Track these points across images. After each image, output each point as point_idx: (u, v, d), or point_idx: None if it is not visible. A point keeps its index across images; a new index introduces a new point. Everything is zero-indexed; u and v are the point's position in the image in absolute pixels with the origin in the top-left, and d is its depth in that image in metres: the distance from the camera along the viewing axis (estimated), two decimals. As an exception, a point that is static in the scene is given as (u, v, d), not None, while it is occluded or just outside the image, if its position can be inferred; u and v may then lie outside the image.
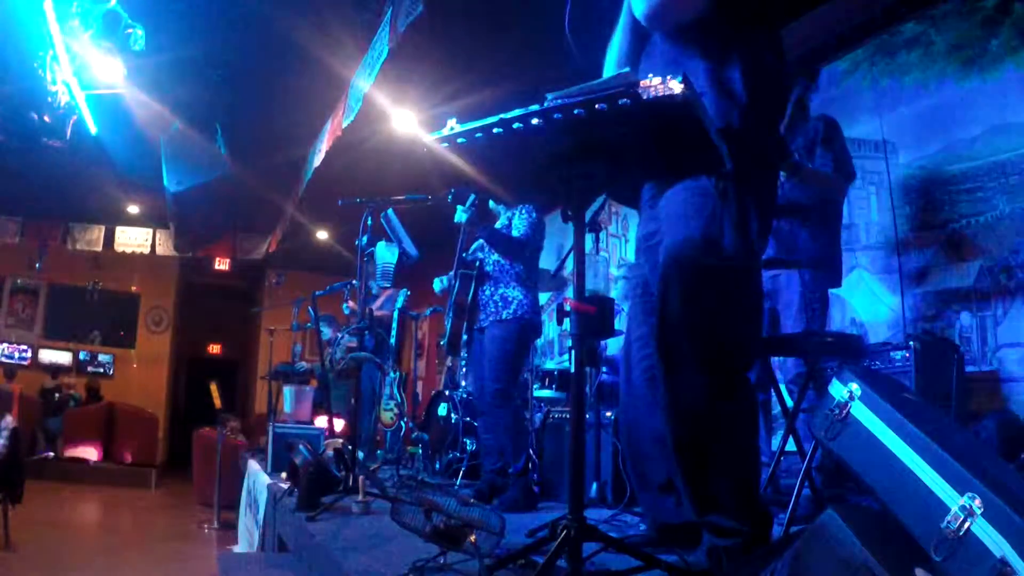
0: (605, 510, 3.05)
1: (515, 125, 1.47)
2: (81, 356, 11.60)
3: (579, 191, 1.60)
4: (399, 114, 5.88)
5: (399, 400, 5.60)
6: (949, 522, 1.15)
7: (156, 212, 9.34)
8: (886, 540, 1.20)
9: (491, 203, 3.55)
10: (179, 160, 6.41)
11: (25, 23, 4.28)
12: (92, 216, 9.74)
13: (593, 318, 1.57)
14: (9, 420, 5.11)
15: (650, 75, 1.35)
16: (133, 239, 9.96)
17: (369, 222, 3.50)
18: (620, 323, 4.33)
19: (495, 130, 1.51)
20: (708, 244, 1.70)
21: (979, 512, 1.12)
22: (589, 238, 3.48)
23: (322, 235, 9.83)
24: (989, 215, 3.40)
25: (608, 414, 3.63)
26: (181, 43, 5.10)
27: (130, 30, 4.23)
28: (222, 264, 11.09)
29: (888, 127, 3.95)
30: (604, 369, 4.07)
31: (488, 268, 3.43)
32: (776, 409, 3.23)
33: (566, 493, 1.57)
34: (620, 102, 1.35)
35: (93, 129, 5.66)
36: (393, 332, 5.70)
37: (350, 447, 3.34)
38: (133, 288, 11.97)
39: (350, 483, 3.03)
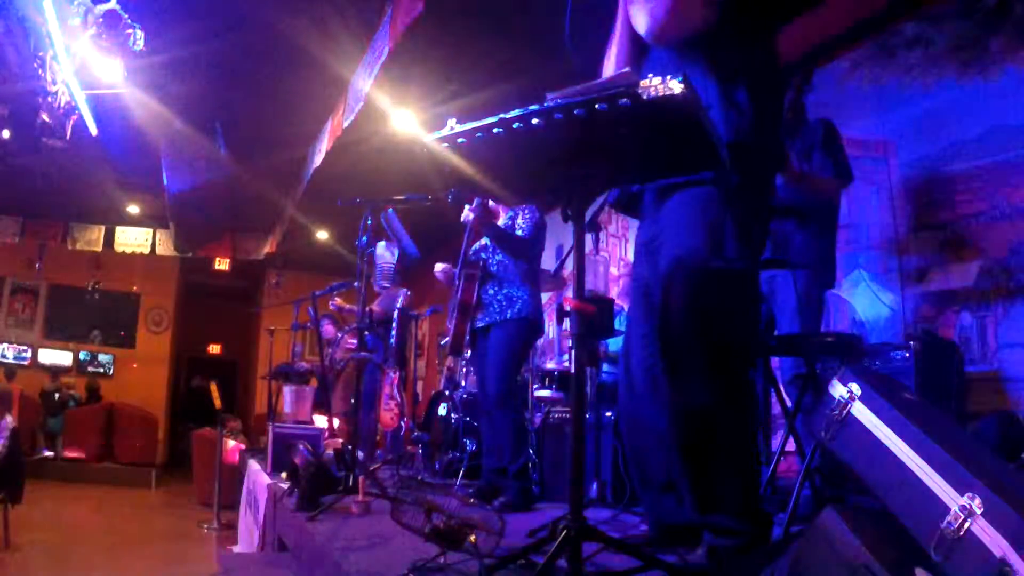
0: (605, 510, 3.06)
1: (515, 125, 1.47)
2: (81, 356, 11.60)
3: (579, 191, 1.60)
4: (399, 114, 5.88)
5: (399, 400, 5.60)
6: (949, 522, 1.15)
7: (156, 212, 9.34)
8: (886, 540, 1.20)
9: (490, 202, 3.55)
10: (179, 160, 6.41)
11: (25, 23, 4.28)
12: (92, 216, 9.74)
13: (593, 318, 1.57)
14: (9, 420, 5.11)
15: (650, 75, 1.35)
16: (133, 239, 9.96)
17: (369, 222, 3.50)
18: (620, 323, 4.34)
19: (495, 130, 1.51)
20: (711, 249, 1.73)
21: (979, 512, 1.12)
22: (589, 238, 3.48)
23: (322, 235, 9.84)
24: (989, 215, 3.40)
25: (608, 414, 3.63)
26: (181, 43, 5.10)
27: (130, 30, 4.23)
28: (222, 264, 11.08)
29: (888, 127, 3.95)
30: (604, 368, 4.07)
31: (492, 268, 3.43)
32: (776, 409, 3.24)
33: (566, 493, 1.56)
34: (620, 102, 1.36)
35: (93, 129, 5.66)
36: (393, 332, 5.70)
37: (350, 447, 3.34)
38: (133, 288, 11.97)
39: (350, 483, 3.04)
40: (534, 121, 1.45)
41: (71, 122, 5.02)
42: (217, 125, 6.32)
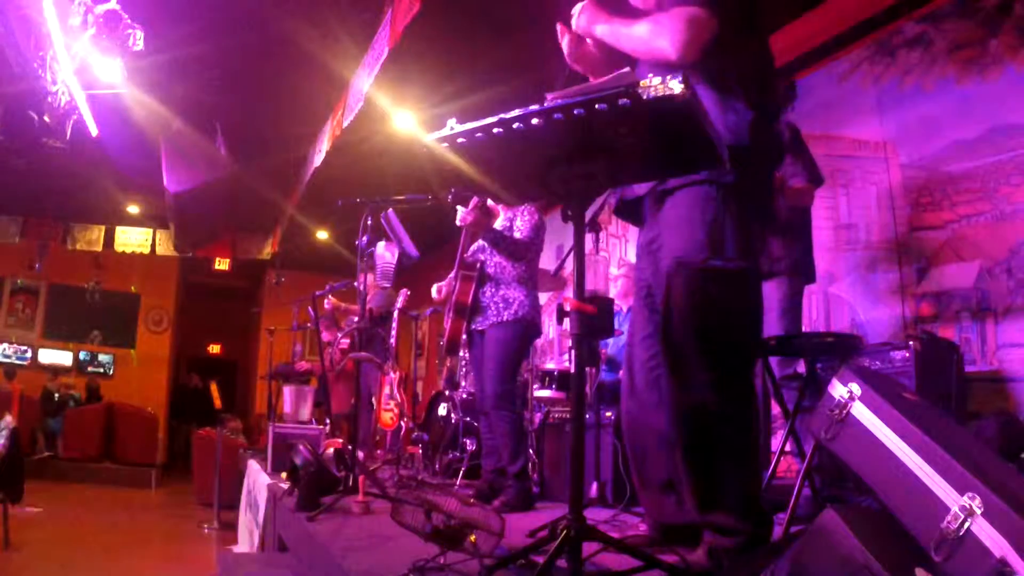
0: (605, 510, 3.05)
1: (515, 125, 1.47)
2: (81, 356, 11.60)
3: (579, 191, 1.60)
4: (399, 114, 5.88)
5: (399, 400, 5.60)
6: (949, 522, 1.15)
7: (156, 212, 9.34)
8: (886, 540, 1.20)
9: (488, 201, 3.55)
10: (179, 160, 6.40)
11: (25, 23, 4.28)
12: (92, 216, 9.74)
13: (593, 318, 1.57)
14: (9, 420, 5.11)
15: (650, 75, 1.35)
16: (133, 239, 9.96)
17: (369, 222, 3.50)
18: (619, 323, 4.34)
19: (495, 130, 1.51)
20: (711, 247, 1.73)
21: (979, 512, 1.12)
22: (589, 238, 3.48)
23: (322, 235, 9.84)
24: (989, 215, 3.40)
25: (608, 414, 3.63)
26: (181, 43, 5.10)
27: (130, 30, 4.22)
28: (222, 264, 11.09)
29: (888, 127, 3.95)
30: (604, 368, 4.08)
31: (489, 269, 3.43)
32: (775, 409, 3.24)
33: (566, 493, 1.56)
34: (620, 102, 1.36)
35: (93, 129, 5.65)
36: (393, 331, 5.70)
37: (350, 447, 3.34)
38: (133, 288, 11.97)
39: (350, 483, 3.03)
40: (534, 121, 1.45)
41: (71, 122, 5.01)
42: (217, 125, 6.32)
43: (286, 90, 5.93)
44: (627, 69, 1.44)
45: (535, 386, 4.20)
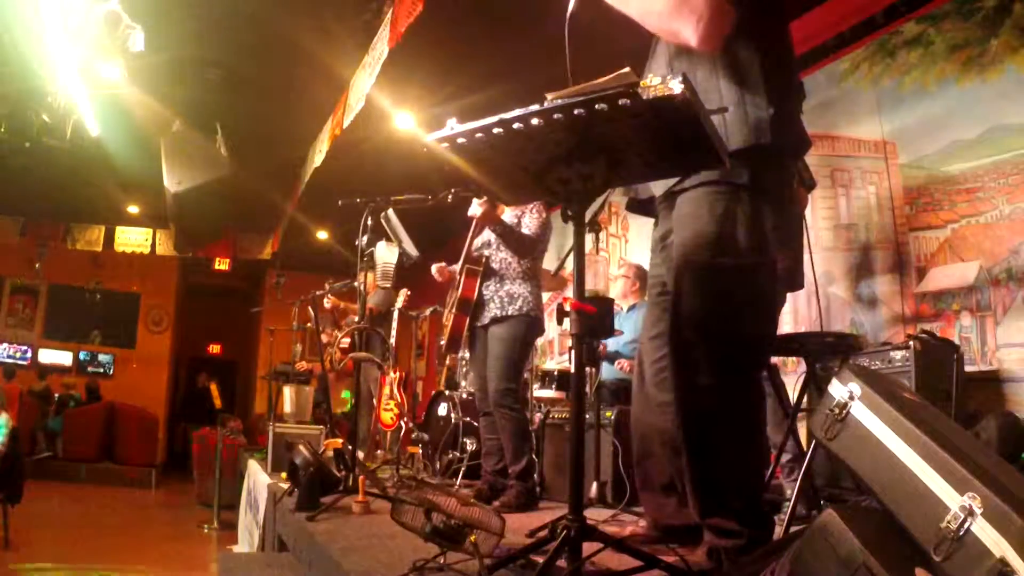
0: (605, 510, 3.06)
1: (515, 125, 1.47)
2: (81, 356, 11.60)
3: (579, 191, 1.60)
4: (399, 114, 5.88)
5: (399, 400, 5.60)
6: (949, 522, 1.15)
7: (156, 212, 9.32)
8: (886, 540, 1.20)
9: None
10: (179, 160, 6.39)
11: (25, 23, 4.28)
12: (92, 216, 9.73)
13: (593, 318, 1.57)
14: (8, 419, 5.11)
15: (650, 75, 1.35)
16: (133, 239, 9.96)
17: (369, 222, 3.50)
18: (618, 323, 4.33)
19: (495, 130, 1.51)
20: (721, 242, 1.70)
21: (979, 512, 1.12)
22: (589, 238, 3.48)
23: (322, 235, 9.83)
24: (989, 215, 3.40)
25: (608, 414, 3.63)
26: (181, 43, 5.10)
27: (130, 30, 4.22)
28: (222, 264, 11.08)
29: (888, 127, 3.95)
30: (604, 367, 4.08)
31: (494, 264, 3.42)
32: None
33: (566, 493, 1.56)
34: (620, 102, 1.35)
35: (93, 129, 5.65)
36: (393, 331, 5.70)
37: (350, 447, 3.34)
38: (133, 288, 11.97)
39: (350, 483, 3.03)
40: (534, 121, 1.45)
41: (71, 122, 5.01)
42: (217, 125, 6.32)
43: (286, 90, 5.93)
44: (627, 69, 1.44)
45: (535, 386, 4.21)
